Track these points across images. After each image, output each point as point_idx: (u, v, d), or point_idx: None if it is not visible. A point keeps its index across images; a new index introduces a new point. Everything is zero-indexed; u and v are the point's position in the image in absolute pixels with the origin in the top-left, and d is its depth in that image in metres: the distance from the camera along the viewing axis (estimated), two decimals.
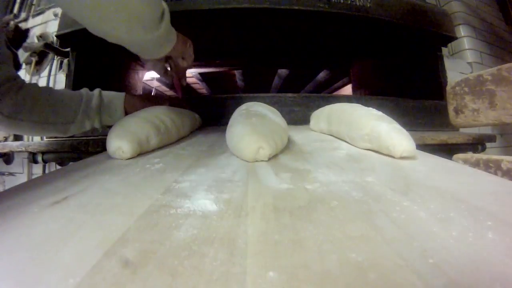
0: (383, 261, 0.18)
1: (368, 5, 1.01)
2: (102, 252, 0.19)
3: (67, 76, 1.14)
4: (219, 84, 2.34)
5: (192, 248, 0.20)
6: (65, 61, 1.20)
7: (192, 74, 2.04)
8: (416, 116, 1.13)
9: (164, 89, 2.41)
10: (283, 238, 0.21)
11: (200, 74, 2.03)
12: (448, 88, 0.74)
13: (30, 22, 1.41)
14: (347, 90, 2.05)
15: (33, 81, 1.32)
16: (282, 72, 2.05)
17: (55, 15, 1.29)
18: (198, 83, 2.31)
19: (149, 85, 2.09)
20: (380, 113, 0.55)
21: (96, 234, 0.22)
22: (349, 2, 0.99)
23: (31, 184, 0.36)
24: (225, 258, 0.18)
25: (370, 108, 0.58)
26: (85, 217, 0.25)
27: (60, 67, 1.26)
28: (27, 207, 0.28)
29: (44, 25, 1.35)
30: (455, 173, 0.38)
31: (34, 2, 1.44)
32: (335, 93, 2.26)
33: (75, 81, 1.12)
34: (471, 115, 0.67)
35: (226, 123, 0.57)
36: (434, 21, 1.17)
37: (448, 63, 1.29)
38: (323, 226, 0.23)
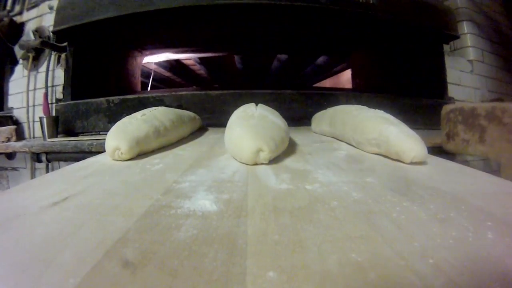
0: (383, 261, 0.18)
1: (371, 2, 0.98)
2: (102, 253, 0.19)
3: (66, 71, 1.12)
4: (218, 67, 2.32)
5: (192, 248, 0.20)
6: (63, 55, 1.18)
7: (191, 58, 2.02)
8: (414, 114, 1.10)
9: (162, 70, 2.36)
10: (283, 238, 0.21)
11: (199, 57, 2.01)
12: (443, 112, 0.74)
13: (25, 16, 1.38)
14: (347, 74, 2.03)
15: (31, 76, 1.29)
16: (282, 56, 2.04)
17: (50, 8, 1.27)
18: (196, 65, 2.28)
19: (147, 68, 2.07)
20: (387, 115, 0.52)
21: (96, 235, 0.22)
22: None
23: (32, 185, 0.36)
24: (225, 258, 0.18)
25: (377, 110, 0.55)
26: (85, 218, 0.25)
27: (58, 62, 1.24)
28: (27, 208, 0.28)
29: (39, 18, 1.32)
30: (455, 173, 0.38)
31: None
32: (335, 77, 2.26)
33: (74, 76, 1.10)
34: (461, 144, 0.67)
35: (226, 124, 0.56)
36: (437, 19, 1.14)
37: (448, 61, 1.26)
38: (323, 226, 0.23)
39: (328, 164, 0.43)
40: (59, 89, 1.20)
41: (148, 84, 2.09)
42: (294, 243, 0.20)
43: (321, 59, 1.99)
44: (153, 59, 1.79)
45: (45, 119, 1.03)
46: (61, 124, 1.07)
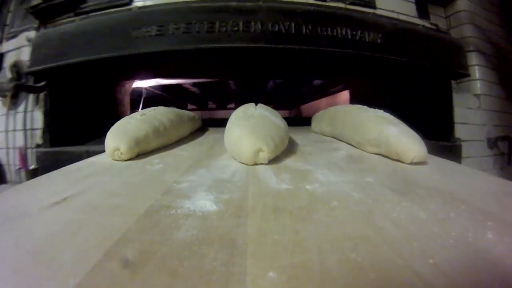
0: (383, 261, 0.18)
1: (379, 41, 0.87)
2: (102, 253, 0.19)
3: (44, 114, 0.99)
4: (212, 88, 2.32)
5: (192, 248, 0.20)
6: (41, 95, 1.04)
7: (183, 83, 2.00)
8: None
9: (154, 89, 2.30)
10: (283, 238, 0.21)
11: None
12: None
13: (5, 46, 1.26)
14: (344, 94, 2.03)
15: (10, 116, 1.14)
16: (277, 80, 2.04)
17: (28, 40, 1.13)
18: (188, 85, 2.27)
19: (139, 87, 2.02)
20: (387, 115, 0.52)
21: (96, 235, 0.22)
22: (357, 38, 0.84)
23: (32, 185, 0.36)
24: (225, 258, 0.18)
25: (377, 110, 0.55)
26: (85, 218, 0.25)
27: (37, 103, 1.09)
28: (27, 208, 0.28)
29: (18, 50, 1.19)
30: (455, 173, 0.38)
31: (8, 22, 1.28)
32: (332, 96, 2.25)
33: (53, 119, 0.97)
34: None
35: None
36: (447, 56, 1.02)
37: (455, 99, 1.14)
38: (323, 226, 0.23)
39: (328, 164, 0.43)
40: (39, 133, 1.05)
41: (139, 105, 2.05)
42: (294, 243, 0.20)
43: (317, 81, 1.97)
44: (144, 84, 1.68)
45: (24, 174, 0.96)
46: (41, 172, 0.85)
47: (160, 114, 0.62)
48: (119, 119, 0.60)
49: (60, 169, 0.44)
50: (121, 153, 0.48)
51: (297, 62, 1.10)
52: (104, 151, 0.52)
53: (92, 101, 1.15)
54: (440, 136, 1.07)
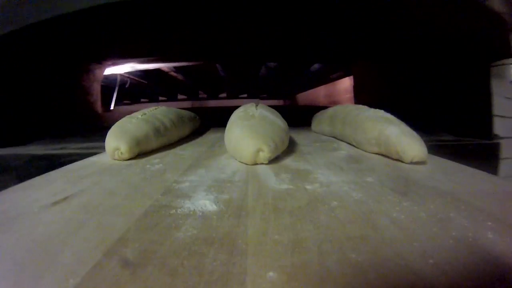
0: (383, 261, 0.18)
1: None
2: (102, 252, 0.19)
3: None
4: (198, 75, 2.13)
5: (192, 248, 0.20)
6: None
7: (163, 67, 1.74)
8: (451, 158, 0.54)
9: (136, 78, 2.01)
10: (283, 238, 0.21)
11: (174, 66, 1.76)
12: None
13: None
14: (344, 82, 1.90)
15: None
16: (270, 62, 1.86)
17: None
18: (173, 72, 2.07)
19: (124, 76, 1.79)
20: (388, 114, 0.52)
21: (96, 234, 0.22)
22: None
23: (32, 184, 0.36)
24: (225, 258, 0.18)
25: (377, 110, 0.55)
26: (85, 218, 0.25)
27: None
28: (27, 208, 0.28)
29: None
30: (455, 173, 0.38)
31: None
32: (331, 84, 2.11)
33: None
34: None
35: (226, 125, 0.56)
36: (489, 31, 0.79)
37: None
38: (323, 226, 0.23)
39: (328, 164, 0.43)
40: None
41: (113, 94, 1.76)
42: (294, 243, 0.20)
43: (316, 66, 1.81)
44: (117, 70, 1.47)
45: None
46: None
47: (160, 114, 0.62)
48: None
49: (60, 169, 0.44)
50: (121, 153, 0.48)
51: (294, 27, 0.84)
52: (48, 153, 0.48)
53: (44, 90, 0.97)
54: (473, 132, 0.86)
